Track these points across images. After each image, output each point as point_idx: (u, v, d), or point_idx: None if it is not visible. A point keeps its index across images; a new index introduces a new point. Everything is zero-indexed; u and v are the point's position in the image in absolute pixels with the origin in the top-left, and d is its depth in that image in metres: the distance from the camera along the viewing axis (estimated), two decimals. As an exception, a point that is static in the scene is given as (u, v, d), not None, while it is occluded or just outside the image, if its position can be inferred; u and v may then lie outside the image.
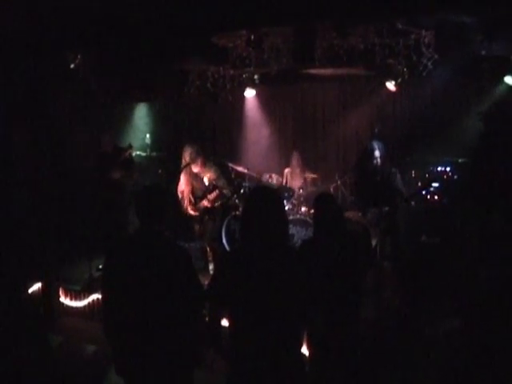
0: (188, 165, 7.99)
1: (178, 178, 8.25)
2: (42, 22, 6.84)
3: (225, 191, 8.29)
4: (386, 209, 7.08)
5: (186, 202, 8.18)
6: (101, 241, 8.16)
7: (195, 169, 8.06)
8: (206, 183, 8.12)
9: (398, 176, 7.57)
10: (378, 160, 7.51)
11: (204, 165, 8.07)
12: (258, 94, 10.62)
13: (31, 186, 8.26)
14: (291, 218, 8.61)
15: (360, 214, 7.64)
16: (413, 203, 8.04)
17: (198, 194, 8.20)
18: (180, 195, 8.22)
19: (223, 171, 8.77)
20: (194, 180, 8.16)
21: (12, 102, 7.88)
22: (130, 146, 9.03)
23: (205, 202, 8.11)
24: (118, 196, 8.80)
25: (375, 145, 7.57)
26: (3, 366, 5.64)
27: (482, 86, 8.57)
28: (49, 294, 8.00)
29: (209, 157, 8.34)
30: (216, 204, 8.24)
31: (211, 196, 8.10)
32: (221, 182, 8.21)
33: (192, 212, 8.17)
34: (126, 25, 6.83)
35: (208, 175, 8.10)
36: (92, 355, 6.71)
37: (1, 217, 7.52)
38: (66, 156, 9.40)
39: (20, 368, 5.75)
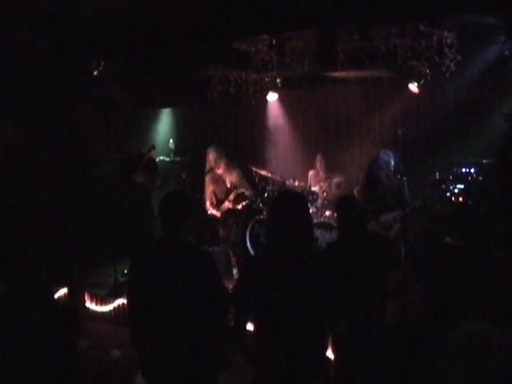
0: (211, 169, 8.06)
1: (203, 183, 8.30)
2: (66, 30, 6.93)
3: (246, 193, 8.31)
4: (397, 212, 7.03)
5: (208, 203, 8.25)
6: (126, 245, 8.19)
7: (218, 171, 8.16)
8: (228, 185, 8.17)
9: (406, 184, 7.51)
10: (391, 170, 7.46)
11: (227, 167, 8.14)
12: (280, 98, 10.65)
13: (56, 191, 8.34)
14: (315, 221, 8.59)
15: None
16: (439, 206, 7.94)
17: (220, 196, 8.27)
18: (205, 197, 8.30)
19: (247, 175, 8.80)
20: (216, 182, 8.23)
21: (36, 109, 7.98)
22: (153, 147, 8.92)
23: (226, 204, 8.15)
24: (142, 200, 8.82)
25: (389, 155, 7.50)
26: (30, 370, 5.70)
27: (505, 87, 8.50)
28: (75, 298, 8.07)
29: (232, 160, 8.38)
30: (238, 206, 8.26)
31: (231, 196, 8.14)
32: (242, 184, 8.25)
33: (214, 212, 8.21)
34: (148, 31, 6.90)
35: (230, 178, 8.15)
36: (118, 360, 6.75)
37: (27, 222, 7.61)
38: (91, 162, 9.47)
39: (47, 372, 5.79)
